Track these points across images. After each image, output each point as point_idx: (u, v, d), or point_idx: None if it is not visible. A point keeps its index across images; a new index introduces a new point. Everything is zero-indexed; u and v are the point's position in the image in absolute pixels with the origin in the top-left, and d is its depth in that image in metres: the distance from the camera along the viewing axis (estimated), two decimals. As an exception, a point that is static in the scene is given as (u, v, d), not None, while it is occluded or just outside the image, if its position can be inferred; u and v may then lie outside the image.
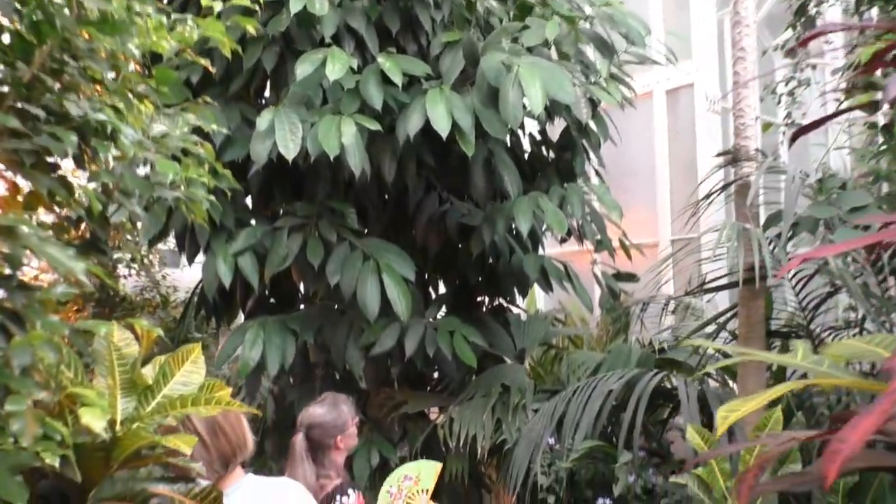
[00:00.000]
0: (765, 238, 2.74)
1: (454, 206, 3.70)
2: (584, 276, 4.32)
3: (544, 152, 4.02)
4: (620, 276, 4.46)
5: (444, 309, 3.88)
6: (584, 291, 3.80)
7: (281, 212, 3.57)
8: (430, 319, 3.55)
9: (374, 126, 3.02)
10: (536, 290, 4.62)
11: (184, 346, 1.63)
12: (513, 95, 2.88)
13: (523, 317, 4.23)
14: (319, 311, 3.64)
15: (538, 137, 4.06)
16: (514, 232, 3.72)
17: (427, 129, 3.09)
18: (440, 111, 2.93)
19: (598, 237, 3.95)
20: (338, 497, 2.32)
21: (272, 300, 4.08)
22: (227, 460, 1.78)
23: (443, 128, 2.91)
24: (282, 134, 2.90)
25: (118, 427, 1.49)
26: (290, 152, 2.89)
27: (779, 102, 4.24)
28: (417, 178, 3.54)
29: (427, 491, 2.52)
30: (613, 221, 3.96)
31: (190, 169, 1.74)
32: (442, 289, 4.40)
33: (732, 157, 3.13)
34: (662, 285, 5.41)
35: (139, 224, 3.35)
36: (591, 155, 3.89)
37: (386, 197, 3.84)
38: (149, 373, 1.63)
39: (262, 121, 2.94)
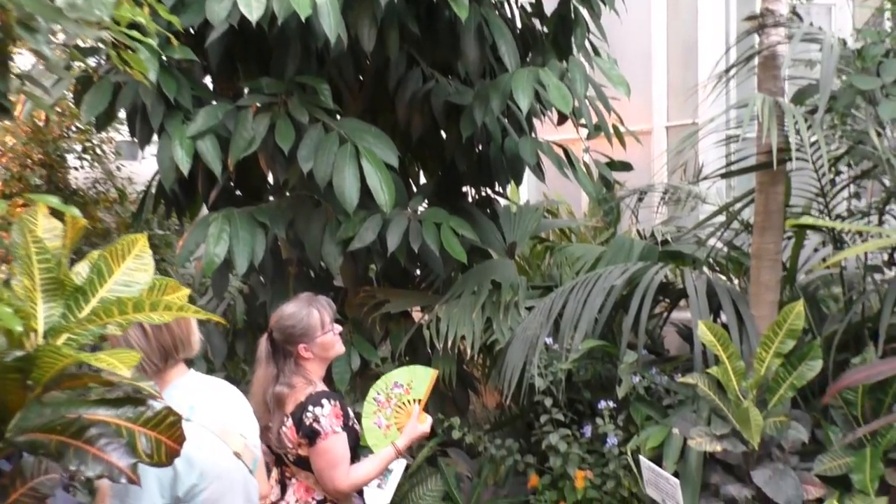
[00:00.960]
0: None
1: (440, 83, 3.30)
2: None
3: (538, 26, 3.60)
4: (614, 165, 4.12)
5: (425, 201, 3.54)
6: (587, 178, 3.48)
7: (246, 90, 3.14)
8: (414, 211, 3.21)
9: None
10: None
11: (125, 237, 1.29)
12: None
13: (513, 209, 3.91)
14: (291, 202, 3.28)
15: (529, 10, 3.63)
16: (506, 113, 3.35)
17: None
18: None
19: (596, 121, 3.60)
20: (309, 408, 2.04)
21: (238, 191, 3.71)
22: (168, 353, 1.66)
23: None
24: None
25: (40, 340, 1.16)
26: (253, 11, 2.45)
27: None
28: (400, 51, 3.13)
29: (419, 402, 2.24)
30: (606, 106, 3.62)
31: (124, 7, 1.34)
32: (422, 178, 4.07)
33: (759, 23, 2.76)
34: (656, 174, 5.11)
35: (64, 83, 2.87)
36: (592, 26, 3.47)
37: (363, 73, 3.42)
38: (82, 271, 1.29)
39: (219, -26, 2.48)
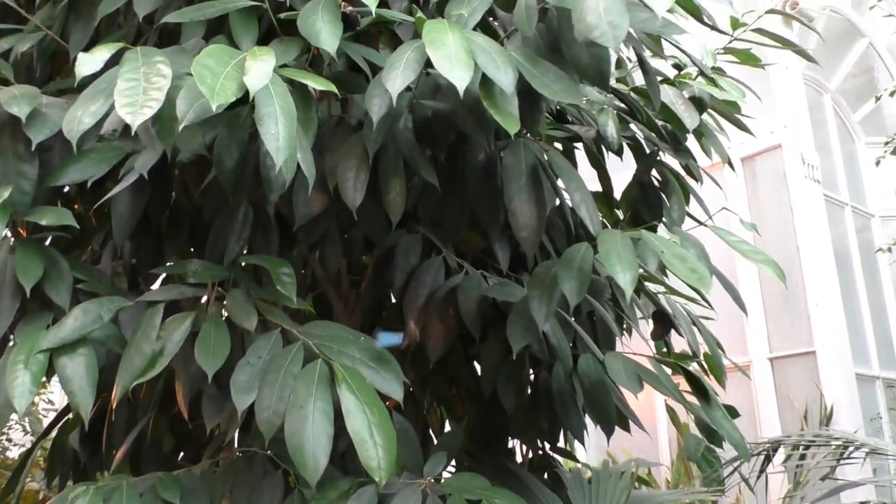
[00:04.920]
0: None
1: (471, 275, 2.13)
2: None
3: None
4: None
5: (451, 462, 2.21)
6: (728, 421, 2.14)
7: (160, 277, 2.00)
8: (434, 480, 1.88)
9: (323, 86, 1.53)
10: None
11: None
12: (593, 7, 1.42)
13: (585, 473, 2.56)
14: (232, 464, 1.98)
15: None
16: (577, 312, 2.14)
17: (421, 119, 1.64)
18: (449, 51, 1.45)
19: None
20: None
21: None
22: None
23: (459, 77, 1.40)
24: (127, 85, 1.39)
25: None
26: (135, 116, 1.36)
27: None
28: (409, 222, 2.03)
29: None
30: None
31: None
32: (447, 425, 2.78)
33: None
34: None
35: None
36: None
37: (353, 262, 2.29)
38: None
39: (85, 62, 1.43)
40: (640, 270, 1.74)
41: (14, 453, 5.18)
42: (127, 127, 1.84)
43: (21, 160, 1.79)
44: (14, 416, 4.12)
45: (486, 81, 1.51)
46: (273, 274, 1.82)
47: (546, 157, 1.83)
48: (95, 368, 1.72)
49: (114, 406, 1.78)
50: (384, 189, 1.75)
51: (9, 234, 1.88)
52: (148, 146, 1.83)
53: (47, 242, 2.08)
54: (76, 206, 2.41)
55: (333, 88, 1.54)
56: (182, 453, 2.56)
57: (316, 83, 1.53)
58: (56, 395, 5.08)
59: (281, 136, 1.38)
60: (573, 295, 1.61)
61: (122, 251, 2.10)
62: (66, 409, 2.54)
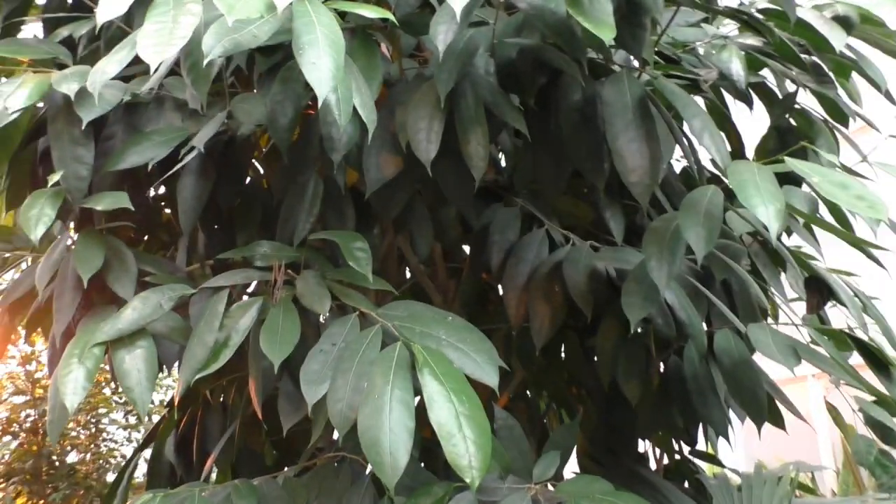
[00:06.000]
0: None
1: (578, 246, 1.83)
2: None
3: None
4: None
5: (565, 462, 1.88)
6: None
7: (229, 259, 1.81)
8: (543, 484, 1.58)
9: (378, 14, 1.30)
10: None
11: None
12: None
13: (734, 480, 2.17)
14: (319, 471, 1.76)
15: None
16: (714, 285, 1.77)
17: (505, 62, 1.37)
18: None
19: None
20: None
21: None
22: None
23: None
24: (154, 28, 1.21)
25: None
26: (158, 55, 1.17)
27: None
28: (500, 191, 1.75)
29: None
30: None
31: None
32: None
33: None
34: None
35: None
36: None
37: (444, 237, 2.03)
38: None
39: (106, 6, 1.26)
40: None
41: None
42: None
43: (76, 144, 1.66)
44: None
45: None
46: (344, 249, 1.59)
47: (656, 87, 1.51)
48: (155, 362, 1.54)
49: (176, 402, 1.60)
50: (462, 139, 1.48)
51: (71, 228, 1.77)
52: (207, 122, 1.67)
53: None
54: (163, 209, 2.30)
55: (389, 16, 1.30)
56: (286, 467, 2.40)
57: (370, 11, 1.29)
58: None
59: (324, 66, 1.15)
60: (701, 244, 1.28)
61: (194, 243, 1.94)
62: (171, 414, 2.40)
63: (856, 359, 1.83)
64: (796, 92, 1.95)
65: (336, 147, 1.46)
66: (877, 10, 1.95)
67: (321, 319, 1.68)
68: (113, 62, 1.29)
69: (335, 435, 1.60)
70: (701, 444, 2.28)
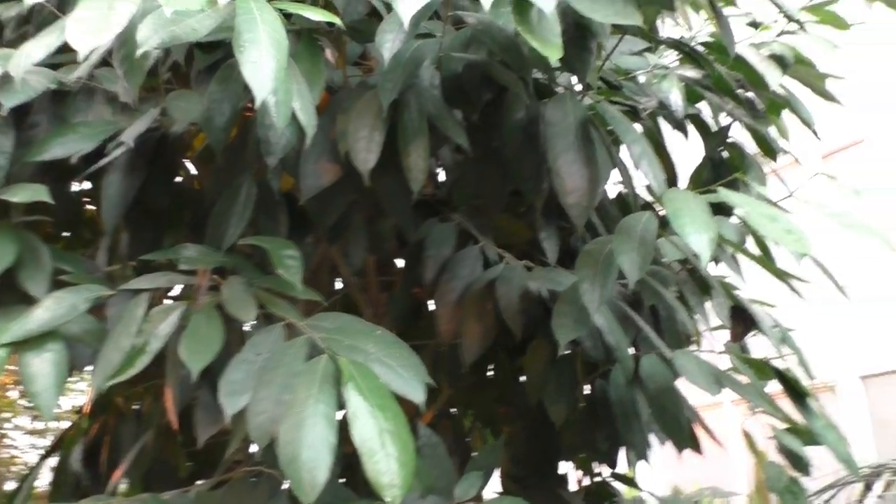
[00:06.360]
0: None
1: (512, 266, 1.82)
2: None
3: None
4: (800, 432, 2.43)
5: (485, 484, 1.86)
6: (834, 431, 1.77)
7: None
8: (469, 501, 1.55)
9: (324, 17, 1.27)
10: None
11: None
12: None
13: (651, 502, 2.20)
14: (232, 486, 1.70)
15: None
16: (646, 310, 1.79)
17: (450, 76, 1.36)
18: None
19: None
20: None
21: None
22: None
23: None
24: (87, 14, 1.16)
25: None
26: (88, 41, 1.12)
27: None
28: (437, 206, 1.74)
29: None
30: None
31: None
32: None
33: None
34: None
35: None
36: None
37: (378, 249, 2.00)
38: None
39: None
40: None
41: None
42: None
43: (-6, 131, 1.57)
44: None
45: (519, 2, 1.22)
46: (274, 256, 1.54)
47: (597, 111, 1.52)
48: (65, 366, 1.46)
49: (87, 409, 1.52)
50: (402, 151, 1.46)
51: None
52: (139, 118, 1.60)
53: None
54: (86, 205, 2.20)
55: (336, 20, 1.27)
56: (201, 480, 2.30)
57: (317, 14, 1.26)
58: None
59: (265, 67, 1.11)
60: (634, 270, 1.29)
61: (116, 242, 1.86)
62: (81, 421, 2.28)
63: (771, 387, 1.88)
64: (730, 125, 2.01)
65: (272, 151, 1.42)
66: (807, 51, 2.03)
67: (247, 328, 1.63)
68: (40, 46, 1.22)
69: (253, 448, 1.55)
70: (620, 467, 2.30)
